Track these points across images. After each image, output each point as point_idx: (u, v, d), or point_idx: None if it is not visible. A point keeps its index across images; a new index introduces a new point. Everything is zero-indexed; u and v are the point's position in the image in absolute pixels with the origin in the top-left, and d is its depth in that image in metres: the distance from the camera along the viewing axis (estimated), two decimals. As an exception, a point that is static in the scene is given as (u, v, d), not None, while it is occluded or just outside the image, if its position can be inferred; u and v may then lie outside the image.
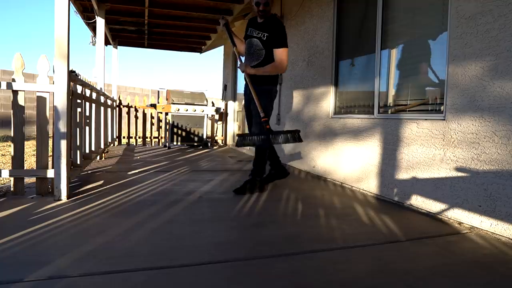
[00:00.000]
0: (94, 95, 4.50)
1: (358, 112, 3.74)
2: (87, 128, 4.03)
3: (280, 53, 3.25)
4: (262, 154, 3.36)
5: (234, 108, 8.46)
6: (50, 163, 3.22)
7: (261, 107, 3.28)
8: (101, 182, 3.57)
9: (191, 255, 1.83)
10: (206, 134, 7.89)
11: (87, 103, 4.08)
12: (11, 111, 2.94)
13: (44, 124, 2.97)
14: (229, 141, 8.60)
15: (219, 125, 8.76)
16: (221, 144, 8.72)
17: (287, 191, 3.43)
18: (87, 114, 4.08)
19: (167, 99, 8.02)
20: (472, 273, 1.73)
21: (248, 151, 7.16)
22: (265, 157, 3.39)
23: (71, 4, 5.86)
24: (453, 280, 1.65)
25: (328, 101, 4.20)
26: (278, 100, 5.35)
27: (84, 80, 3.69)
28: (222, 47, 9.37)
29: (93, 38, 8.34)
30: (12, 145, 2.94)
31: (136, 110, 8.39)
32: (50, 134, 3.30)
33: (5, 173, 2.91)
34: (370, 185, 3.42)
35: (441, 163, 2.65)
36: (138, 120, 8.39)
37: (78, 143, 3.43)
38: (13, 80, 2.94)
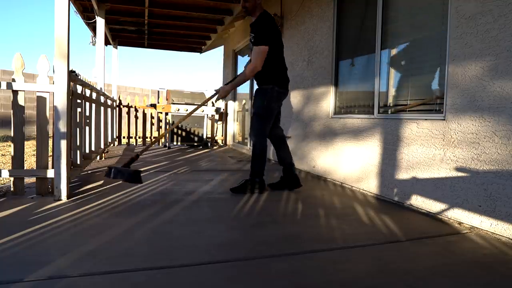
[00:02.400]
0: (94, 95, 4.50)
1: (358, 112, 3.74)
2: (87, 128, 4.03)
3: (255, 52, 3.07)
4: (256, 154, 3.22)
5: (234, 108, 8.46)
6: (50, 163, 3.22)
7: (255, 110, 3.24)
8: (101, 182, 3.57)
9: (191, 255, 1.83)
10: (206, 134, 7.89)
11: (87, 103, 4.08)
12: (11, 111, 2.94)
13: (44, 124, 2.97)
14: (229, 141, 8.60)
15: (219, 125, 8.76)
16: (221, 144, 8.72)
17: (286, 191, 3.42)
18: (87, 114, 4.08)
19: (167, 99, 8.03)
20: (472, 273, 1.73)
21: (248, 151, 7.16)
22: (261, 157, 3.22)
23: (71, 4, 5.86)
24: (453, 280, 1.65)
25: (328, 101, 4.20)
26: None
27: (84, 80, 3.69)
28: (222, 47, 9.37)
29: (93, 38, 8.34)
30: (12, 145, 2.94)
31: (136, 110, 8.39)
32: (50, 134, 3.30)
33: (5, 173, 2.91)
34: (370, 185, 3.42)
35: (441, 163, 2.65)
36: (138, 120, 8.39)
37: (78, 143, 3.43)
38: (13, 80, 2.94)
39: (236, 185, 3.31)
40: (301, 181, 3.47)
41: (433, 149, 2.72)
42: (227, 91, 3.30)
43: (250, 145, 7.26)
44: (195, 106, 3.57)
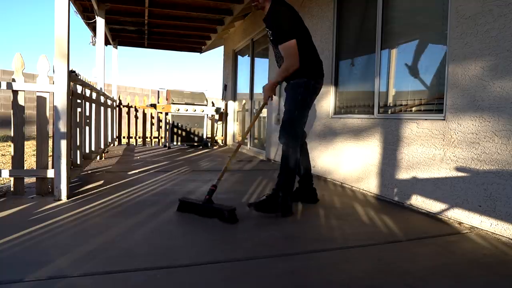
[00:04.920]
0: (94, 95, 4.50)
1: (358, 112, 3.74)
2: (87, 128, 4.03)
3: (284, 50, 2.60)
4: (288, 162, 2.66)
5: (234, 108, 8.46)
6: (50, 163, 3.22)
7: (286, 107, 2.74)
8: (101, 182, 3.57)
9: (191, 255, 1.83)
10: (206, 134, 7.89)
11: (87, 103, 4.08)
12: (11, 111, 2.94)
13: (44, 124, 2.97)
14: (229, 141, 8.60)
15: (219, 125, 8.76)
16: (221, 144, 8.72)
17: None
18: (87, 114, 4.08)
19: (167, 99, 8.03)
20: (472, 273, 1.73)
21: (249, 151, 7.16)
22: (293, 166, 2.67)
23: (71, 4, 5.86)
24: (453, 280, 1.65)
25: (328, 101, 4.20)
26: (278, 100, 5.35)
27: (84, 80, 3.69)
28: (222, 47, 9.37)
29: (93, 38, 8.35)
30: (12, 145, 2.94)
31: (136, 110, 8.39)
32: (50, 134, 3.30)
33: (5, 173, 2.91)
34: (370, 185, 3.42)
35: (441, 163, 2.65)
36: (138, 120, 8.39)
37: (78, 143, 3.43)
38: (13, 80, 2.94)
39: (258, 200, 2.68)
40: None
41: (433, 149, 2.72)
42: (271, 91, 2.78)
43: (249, 145, 7.26)
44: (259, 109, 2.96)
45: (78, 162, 3.45)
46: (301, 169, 2.96)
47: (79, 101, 3.51)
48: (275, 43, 2.72)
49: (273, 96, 2.82)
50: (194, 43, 9.30)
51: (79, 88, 3.53)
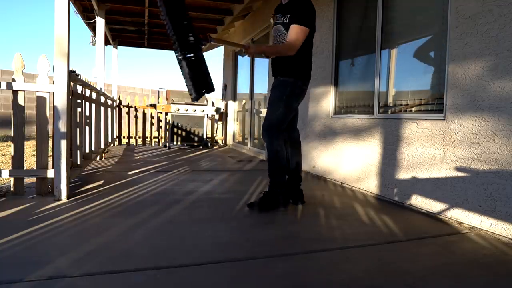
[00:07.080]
0: (94, 95, 4.50)
1: (358, 112, 3.74)
2: (87, 128, 4.03)
3: (294, 31, 2.60)
4: (272, 158, 2.73)
5: (234, 108, 8.45)
6: (50, 163, 3.22)
7: (271, 105, 2.75)
8: (101, 182, 3.57)
9: (191, 255, 1.83)
10: (206, 134, 7.89)
11: (87, 103, 4.08)
12: (11, 111, 2.94)
13: (44, 124, 2.97)
14: (229, 141, 8.60)
15: (219, 125, 8.76)
16: (221, 144, 8.72)
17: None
18: (87, 114, 4.09)
19: (167, 99, 8.03)
20: (472, 273, 1.73)
21: (249, 151, 7.15)
22: (278, 161, 2.73)
23: (71, 4, 5.86)
24: (453, 280, 1.65)
25: (328, 101, 4.20)
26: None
27: (84, 80, 3.69)
28: (222, 47, 9.37)
29: (93, 38, 8.35)
30: (12, 145, 2.94)
31: (136, 110, 8.39)
32: (50, 134, 3.30)
33: (5, 173, 2.91)
34: (370, 185, 3.42)
35: (441, 163, 2.65)
36: (138, 120, 8.39)
37: (78, 143, 3.43)
38: (13, 80, 2.94)
39: (255, 200, 2.79)
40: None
41: (433, 149, 2.72)
42: (253, 53, 2.76)
43: (249, 145, 7.26)
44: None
45: (78, 162, 3.45)
46: (293, 171, 2.92)
47: (79, 101, 3.51)
48: (290, 23, 2.65)
49: (247, 53, 2.73)
50: (194, 43, 9.28)
51: (79, 88, 3.53)
